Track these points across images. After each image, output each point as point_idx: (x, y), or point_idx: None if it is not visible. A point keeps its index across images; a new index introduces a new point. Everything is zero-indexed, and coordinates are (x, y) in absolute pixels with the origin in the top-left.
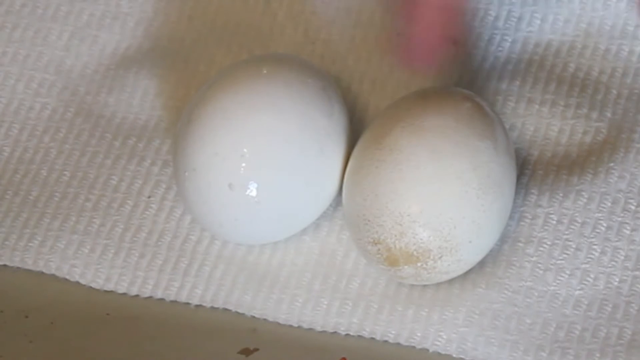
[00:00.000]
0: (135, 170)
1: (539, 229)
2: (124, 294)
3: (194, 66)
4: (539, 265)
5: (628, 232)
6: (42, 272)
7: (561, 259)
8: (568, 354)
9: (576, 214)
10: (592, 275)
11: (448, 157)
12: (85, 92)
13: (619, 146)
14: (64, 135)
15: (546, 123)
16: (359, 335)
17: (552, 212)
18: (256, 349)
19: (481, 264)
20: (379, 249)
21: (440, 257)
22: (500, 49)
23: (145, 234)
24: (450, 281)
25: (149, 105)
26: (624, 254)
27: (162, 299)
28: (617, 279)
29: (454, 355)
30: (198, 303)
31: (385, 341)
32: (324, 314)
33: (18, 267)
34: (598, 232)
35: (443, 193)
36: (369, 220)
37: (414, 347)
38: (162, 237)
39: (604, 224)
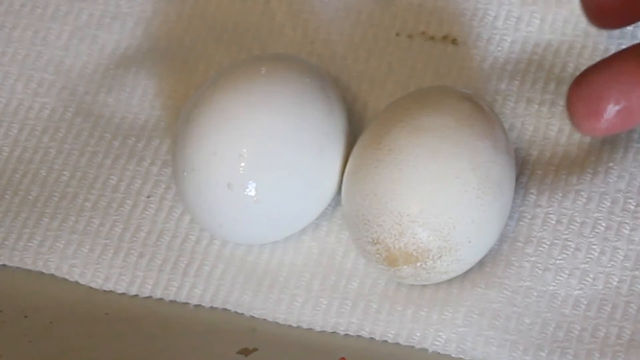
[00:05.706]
0: (135, 170)
1: (538, 228)
2: (123, 293)
3: (193, 66)
4: (538, 265)
5: (627, 231)
6: (41, 272)
7: (560, 259)
8: (567, 353)
9: (575, 214)
10: (591, 275)
11: (447, 157)
12: (84, 92)
13: (618, 146)
14: (63, 135)
15: (545, 123)
16: (358, 335)
17: (551, 211)
18: (255, 349)
19: (480, 264)
20: (378, 249)
21: (439, 257)
22: (499, 48)
23: (144, 233)
24: (450, 281)
25: (148, 105)
26: (623, 254)
27: (161, 299)
28: (616, 279)
29: (453, 355)
30: (197, 303)
31: (385, 341)
32: (323, 313)
33: (17, 267)
34: (597, 232)
35: (442, 193)
36: (368, 220)
37: (413, 347)
38: (161, 237)
39: (603, 224)
